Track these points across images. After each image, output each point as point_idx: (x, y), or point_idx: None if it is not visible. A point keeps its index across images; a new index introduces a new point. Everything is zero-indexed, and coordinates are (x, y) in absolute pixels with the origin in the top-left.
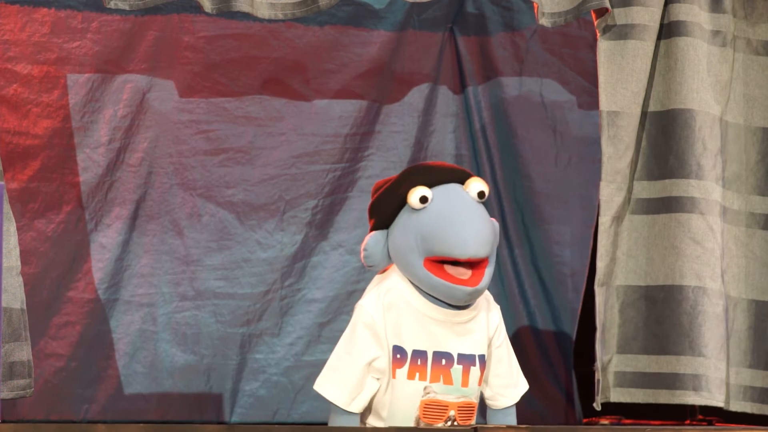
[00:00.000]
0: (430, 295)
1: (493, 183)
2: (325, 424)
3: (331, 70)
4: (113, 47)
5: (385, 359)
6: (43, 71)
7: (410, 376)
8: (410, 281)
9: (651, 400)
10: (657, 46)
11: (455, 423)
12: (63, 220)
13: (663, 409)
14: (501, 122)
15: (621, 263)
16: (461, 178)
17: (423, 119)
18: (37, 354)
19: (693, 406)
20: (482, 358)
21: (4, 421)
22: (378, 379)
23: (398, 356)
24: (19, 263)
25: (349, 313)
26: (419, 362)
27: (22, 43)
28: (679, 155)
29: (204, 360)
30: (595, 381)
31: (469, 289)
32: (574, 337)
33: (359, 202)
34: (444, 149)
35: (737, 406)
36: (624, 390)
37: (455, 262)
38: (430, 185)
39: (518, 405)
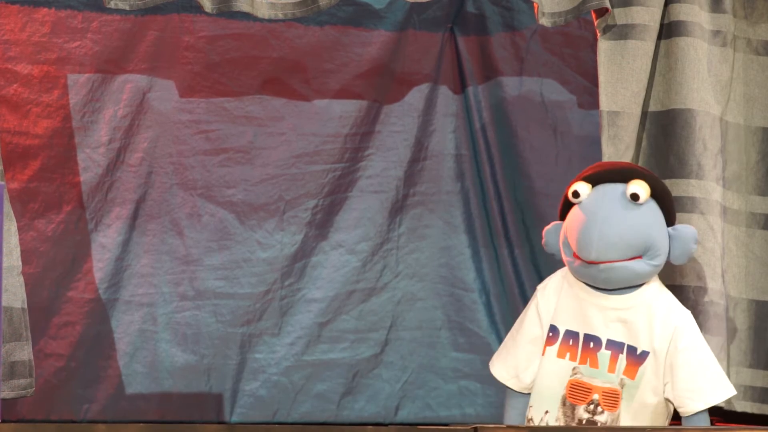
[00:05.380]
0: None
1: (493, 183)
2: (325, 423)
3: (331, 70)
4: (113, 47)
5: (543, 339)
6: (43, 71)
7: (560, 355)
8: None
9: None
10: (657, 46)
11: (598, 407)
12: (63, 220)
13: None
14: (501, 122)
15: None
16: (626, 178)
17: (423, 119)
18: (37, 354)
19: None
20: (633, 349)
21: (4, 421)
22: None
23: (551, 334)
24: (20, 263)
25: (349, 312)
26: (571, 342)
27: (22, 43)
28: (679, 155)
29: (204, 360)
30: None
31: (601, 266)
32: None
33: (359, 202)
34: (444, 149)
35: (737, 406)
36: None
37: None
38: (593, 182)
39: None
